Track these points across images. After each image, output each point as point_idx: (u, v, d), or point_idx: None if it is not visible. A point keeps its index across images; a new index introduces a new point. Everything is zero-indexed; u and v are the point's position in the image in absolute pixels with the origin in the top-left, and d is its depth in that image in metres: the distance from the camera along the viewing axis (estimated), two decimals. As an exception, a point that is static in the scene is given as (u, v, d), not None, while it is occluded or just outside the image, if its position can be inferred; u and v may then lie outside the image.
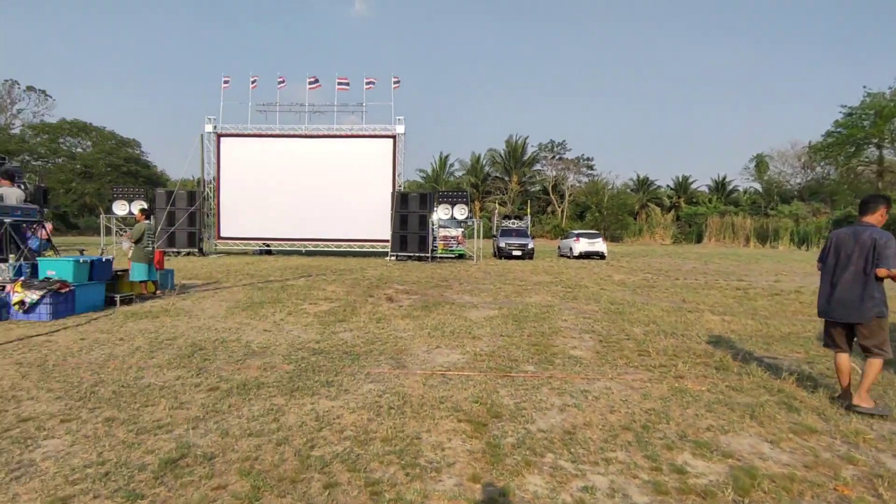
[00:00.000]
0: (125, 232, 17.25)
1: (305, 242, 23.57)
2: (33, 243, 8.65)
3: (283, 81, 24.14)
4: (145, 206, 19.02)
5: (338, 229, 23.37)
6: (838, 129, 44.17)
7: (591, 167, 63.62)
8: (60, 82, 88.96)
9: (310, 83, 23.89)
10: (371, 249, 23.71)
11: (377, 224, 22.93)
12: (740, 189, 63.18)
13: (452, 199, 21.69)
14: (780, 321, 8.17)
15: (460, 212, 21.53)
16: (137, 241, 9.57)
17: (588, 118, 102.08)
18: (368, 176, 23.24)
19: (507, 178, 65.59)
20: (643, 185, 64.09)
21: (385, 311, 8.57)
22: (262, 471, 2.98)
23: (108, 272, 8.60)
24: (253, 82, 23.63)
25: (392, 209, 21.84)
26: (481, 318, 8.17)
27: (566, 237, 27.82)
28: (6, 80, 48.44)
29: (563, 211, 60.80)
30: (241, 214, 23.52)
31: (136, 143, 52.18)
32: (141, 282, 9.67)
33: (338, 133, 23.67)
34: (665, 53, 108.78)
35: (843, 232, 4.39)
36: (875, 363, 4.15)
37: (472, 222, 23.66)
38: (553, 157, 66.06)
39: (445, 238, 22.56)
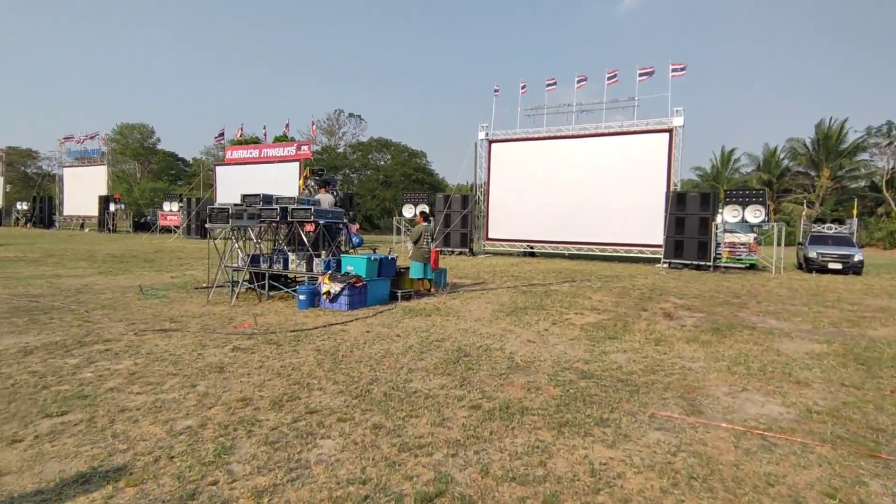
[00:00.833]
0: (409, 232, 19.66)
1: (569, 245, 23.04)
2: (356, 240, 9.96)
3: (552, 83, 24.06)
4: (426, 209, 21.18)
5: (603, 232, 22.13)
6: None
7: (951, 153, 47.07)
8: (369, 107, 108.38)
9: (578, 81, 23.23)
10: (639, 255, 21.76)
11: (647, 227, 20.90)
12: None
13: (743, 198, 18.23)
14: None
15: (754, 213, 17.95)
16: (416, 242, 10.34)
17: (945, 88, 76.25)
18: (639, 175, 21.37)
19: (812, 173, 53.55)
20: None
21: (664, 331, 7.26)
22: (526, 542, 2.34)
23: (393, 269, 9.42)
24: (522, 87, 24.20)
25: (666, 211, 19.58)
26: (802, 353, 6.17)
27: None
28: (335, 110, 61.47)
29: (902, 213, 46.47)
30: (507, 217, 24.35)
31: (423, 154, 60.06)
32: (418, 279, 10.43)
33: (606, 131, 22.42)
34: None
35: None
36: None
37: (770, 226, 19.55)
38: (889, 143, 51.20)
39: (733, 245, 19.14)
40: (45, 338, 5.83)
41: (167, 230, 34.68)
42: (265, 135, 34.22)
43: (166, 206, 35.87)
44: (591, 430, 3.66)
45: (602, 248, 22.50)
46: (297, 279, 9.37)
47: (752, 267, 19.45)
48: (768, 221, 18.52)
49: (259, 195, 9.25)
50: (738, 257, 19.79)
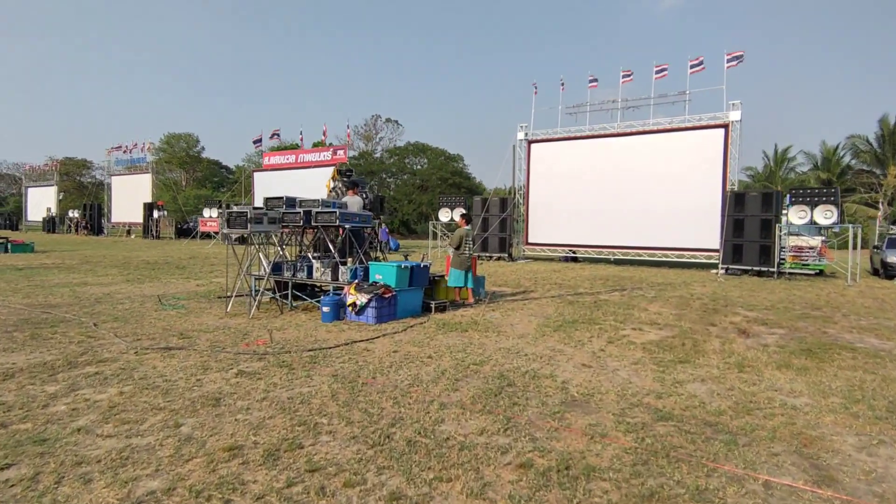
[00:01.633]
0: (448, 237, 18.57)
1: (614, 250, 21.66)
2: (394, 244, 9.16)
3: (594, 80, 22.84)
4: (465, 212, 20.20)
5: (652, 236, 20.68)
6: None
7: None
8: (406, 111, 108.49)
9: (623, 76, 21.89)
10: (692, 260, 20.21)
11: (701, 230, 19.38)
12: None
13: (811, 197, 16.53)
14: None
15: (824, 214, 16.23)
16: (457, 248, 9.46)
17: None
18: (691, 174, 19.86)
19: (878, 171, 49.90)
20: None
21: (744, 353, 6.11)
22: None
23: (426, 278, 8.56)
24: (562, 85, 23.04)
25: (723, 212, 18.05)
26: (930, 385, 4.95)
27: None
28: (373, 115, 61.52)
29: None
30: (548, 220, 23.19)
31: (460, 158, 59.29)
32: (456, 288, 9.55)
33: (654, 128, 20.99)
34: None
35: None
36: None
37: (840, 228, 17.71)
38: (964, 136, 47.17)
39: (800, 249, 17.45)
40: (37, 357, 5.22)
41: (207, 236, 35.06)
42: (302, 140, 34.18)
43: (206, 213, 36.28)
44: (685, 506, 2.66)
45: (651, 253, 21.05)
46: (323, 288, 8.64)
47: (819, 273, 17.70)
48: (839, 223, 16.73)
49: (282, 198, 8.58)
50: (804, 262, 18.07)
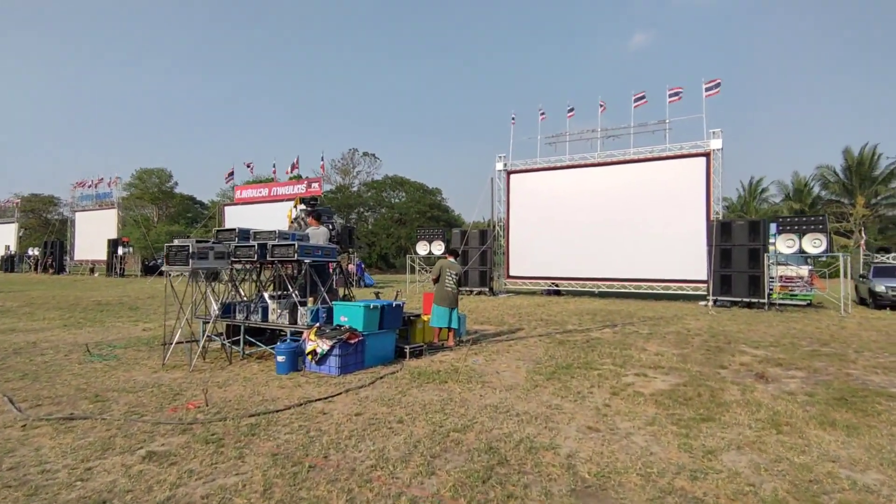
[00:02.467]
0: (429, 271, 17.45)
1: (598, 282, 20.90)
2: (368, 281, 8.14)
3: (572, 110, 22.53)
4: (450, 244, 19.03)
5: (636, 267, 20.00)
6: None
7: None
8: (383, 145, 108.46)
9: (601, 106, 21.64)
10: (679, 291, 19.54)
11: (687, 261, 18.78)
12: None
13: (800, 226, 16.08)
14: None
15: (813, 243, 15.75)
16: (436, 280, 8.50)
17: (978, 112, 73.28)
18: (675, 204, 19.40)
19: (846, 201, 50.97)
20: None
21: (772, 404, 5.19)
22: None
23: (399, 319, 7.54)
24: (541, 114, 22.67)
25: (709, 242, 17.50)
26: None
27: None
28: (350, 149, 61.00)
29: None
30: (529, 253, 22.41)
31: (438, 191, 58.86)
32: (437, 329, 8.53)
33: (635, 157, 20.60)
34: None
35: None
36: None
37: (836, 257, 17.29)
38: (924, 168, 48.70)
39: (789, 279, 16.91)
40: None
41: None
42: (275, 172, 33.19)
43: (174, 249, 34.72)
44: None
45: (636, 285, 20.34)
46: (281, 333, 7.54)
47: (809, 304, 17.15)
48: (828, 252, 16.28)
49: (234, 230, 7.55)
50: (791, 293, 17.53)
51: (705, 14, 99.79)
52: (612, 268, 20.53)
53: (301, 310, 6.92)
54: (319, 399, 5.19)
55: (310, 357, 6.41)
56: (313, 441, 4.02)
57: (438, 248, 22.30)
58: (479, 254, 21.64)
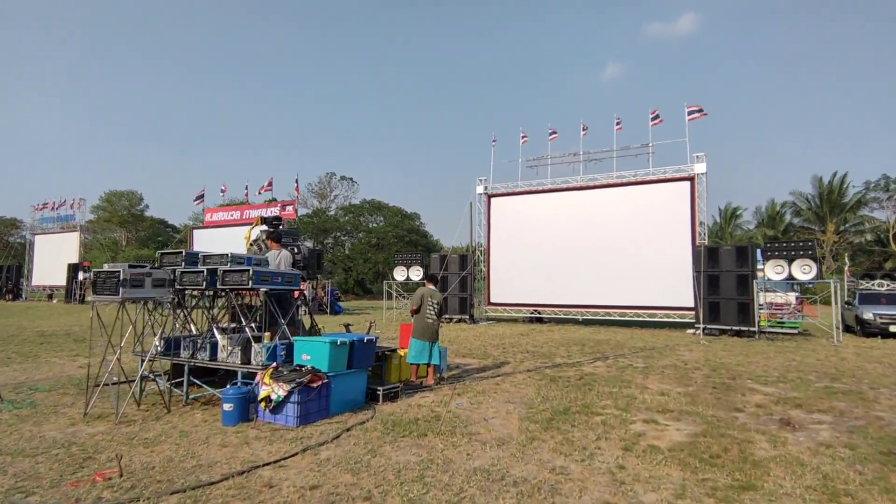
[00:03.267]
0: (407, 297, 16.33)
1: (582, 310, 20.14)
2: (337, 309, 7.14)
3: (554, 133, 22.12)
4: (428, 269, 18.00)
5: (621, 294, 19.33)
6: None
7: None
8: (361, 169, 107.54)
9: (583, 129, 21.27)
10: (665, 319, 18.91)
11: (672, 287, 18.17)
12: None
13: (788, 251, 15.64)
14: None
15: (802, 269, 15.31)
16: (416, 310, 7.57)
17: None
18: (658, 229, 18.91)
19: (816, 228, 51.92)
20: None
21: (813, 462, 4.36)
22: None
23: (372, 356, 6.57)
24: (523, 137, 22.22)
25: (695, 268, 16.95)
26: None
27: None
28: (327, 173, 60.10)
29: (918, 267, 44.23)
30: (511, 279, 21.61)
31: (417, 216, 58.14)
32: (415, 365, 7.57)
33: (619, 181, 20.16)
34: None
35: None
36: None
37: (825, 284, 16.89)
38: (889, 197, 50.07)
39: (779, 307, 16.41)
40: None
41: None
42: (247, 195, 32.05)
43: (138, 274, 33.00)
44: None
45: (621, 313, 19.65)
46: (234, 373, 6.48)
47: (798, 332, 16.64)
48: (816, 278, 15.86)
49: (181, 252, 6.55)
50: (780, 321, 17.04)
51: (675, 45, 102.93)
52: (597, 294, 19.83)
53: (255, 346, 5.91)
54: (268, 463, 4.17)
55: (263, 405, 5.39)
56: (250, 532, 3.02)
57: (417, 273, 21.36)
58: (459, 280, 20.76)
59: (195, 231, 32.83)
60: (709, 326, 16.34)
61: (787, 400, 6.84)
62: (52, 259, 37.99)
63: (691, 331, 16.95)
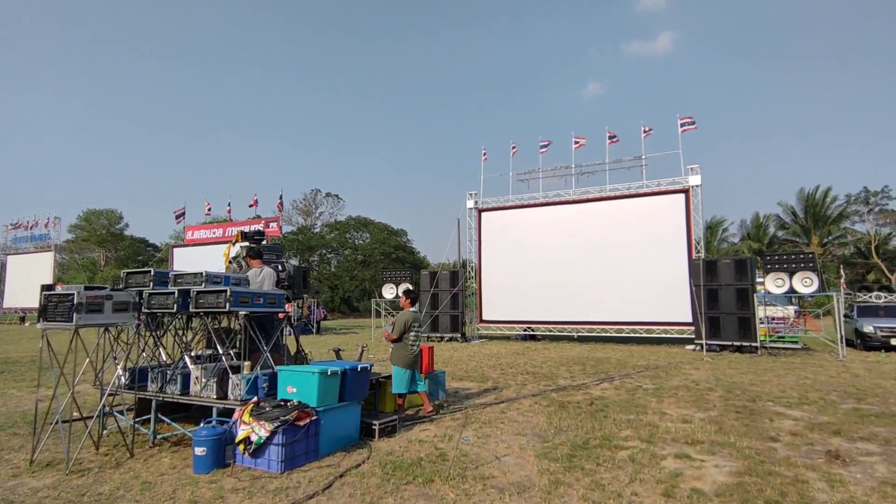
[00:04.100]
0: (391, 317, 15.55)
1: (577, 326, 19.57)
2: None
3: (545, 145, 21.74)
4: (411, 287, 17.14)
5: (617, 310, 18.80)
6: None
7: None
8: (347, 185, 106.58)
9: (575, 142, 20.92)
10: (662, 335, 18.39)
11: (669, 302, 17.71)
12: None
13: (789, 264, 15.27)
14: None
15: (803, 282, 14.92)
16: (399, 338, 6.84)
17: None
18: (654, 242, 18.49)
19: (800, 241, 52.35)
20: None
21: (885, 506, 3.77)
22: None
23: (366, 386, 5.85)
24: (513, 148, 21.81)
25: (691, 282, 16.51)
26: None
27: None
28: (312, 190, 59.29)
29: (898, 278, 44.64)
30: (503, 295, 20.98)
31: (404, 232, 57.43)
32: (399, 395, 6.83)
33: (612, 194, 19.77)
34: None
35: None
36: None
37: (828, 297, 16.52)
38: (869, 210, 50.86)
39: (782, 321, 15.99)
40: None
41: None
42: (230, 212, 31.17)
43: (115, 295, 31.75)
44: None
45: (618, 329, 19.09)
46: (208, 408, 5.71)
47: (800, 346, 16.22)
48: (817, 291, 15.49)
49: (149, 271, 5.82)
50: (779, 335, 16.61)
51: (654, 64, 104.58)
52: (592, 310, 19.28)
53: (233, 378, 5.17)
54: (245, 526, 3.44)
55: (241, 447, 4.64)
56: None
57: (405, 289, 20.62)
58: (451, 297, 20.08)
59: (175, 249, 31.77)
60: (709, 342, 15.85)
61: (821, 426, 6.26)
62: (25, 280, 36.51)
63: (691, 346, 16.44)
